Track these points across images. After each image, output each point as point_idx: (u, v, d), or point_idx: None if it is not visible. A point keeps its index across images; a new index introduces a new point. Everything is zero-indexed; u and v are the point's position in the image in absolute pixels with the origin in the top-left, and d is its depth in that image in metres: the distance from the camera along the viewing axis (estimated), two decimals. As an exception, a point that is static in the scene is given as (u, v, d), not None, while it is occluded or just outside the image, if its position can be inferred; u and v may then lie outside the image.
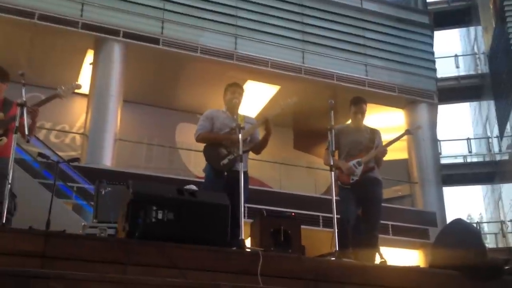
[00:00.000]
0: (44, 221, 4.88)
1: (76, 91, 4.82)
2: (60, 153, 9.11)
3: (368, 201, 4.99)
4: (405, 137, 12.70)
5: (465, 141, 20.15)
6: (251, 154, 4.93)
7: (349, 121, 5.46)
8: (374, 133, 5.25)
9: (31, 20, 9.80)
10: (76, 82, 4.77)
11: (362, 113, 5.21)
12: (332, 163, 4.36)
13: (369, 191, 5.00)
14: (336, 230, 4.06)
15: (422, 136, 12.31)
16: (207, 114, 4.87)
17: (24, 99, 4.07)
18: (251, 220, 4.64)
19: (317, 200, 10.26)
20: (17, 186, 4.28)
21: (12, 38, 10.24)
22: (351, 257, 4.38)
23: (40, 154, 6.62)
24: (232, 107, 4.83)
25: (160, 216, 3.21)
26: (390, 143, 5.21)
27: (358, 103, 5.22)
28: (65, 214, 6.37)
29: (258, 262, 3.08)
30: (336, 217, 4.19)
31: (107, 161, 9.62)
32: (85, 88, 10.51)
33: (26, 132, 4.08)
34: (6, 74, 4.72)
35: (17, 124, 3.94)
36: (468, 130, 25.90)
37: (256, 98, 11.65)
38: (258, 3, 11.76)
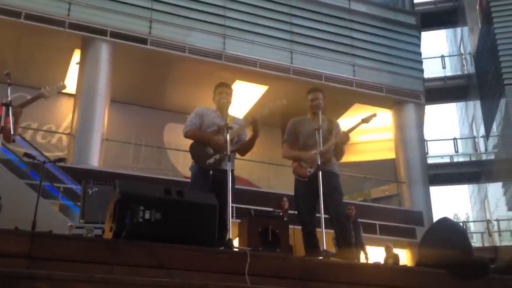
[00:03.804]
0: (30, 221, 4.83)
1: (63, 91, 4.79)
2: (46, 154, 9.05)
3: (327, 194, 4.41)
4: (392, 137, 12.87)
5: (452, 141, 20.33)
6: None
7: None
8: (332, 123, 4.90)
9: (18, 19, 9.72)
10: (61, 83, 4.73)
11: (317, 101, 4.81)
12: (319, 163, 4.33)
13: (327, 184, 4.44)
14: (323, 230, 4.06)
15: (410, 136, 12.43)
16: (198, 111, 4.85)
17: (9, 98, 4.04)
18: (238, 220, 4.63)
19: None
20: (3, 186, 4.24)
21: (-3, 37, 10.16)
22: (337, 256, 4.36)
23: (26, 155, 6.57)
24: (221, 107, 4.81)
25: (147, 216, 3.19)
26: (350, 130, 4.95)
27: (314, 92, 4.90)
28: (51, 215, 6.32)
29: (246, 262, 3.07)
30: (325, 217, 4.15)
31: (94, 161, 9.57)
32: (71, 88, 10.52)
33: (12, 132, 4.05)
34: None
35: (2, 123, 3.91)
36: (455, 130, 26.14)
37: (245, 98, 11.66)
38: (246, 4, 11.77)
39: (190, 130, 4.70)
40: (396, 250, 11.50)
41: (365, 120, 4.89)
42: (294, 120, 4.82)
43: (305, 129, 4.72)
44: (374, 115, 4.98)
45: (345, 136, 4.72)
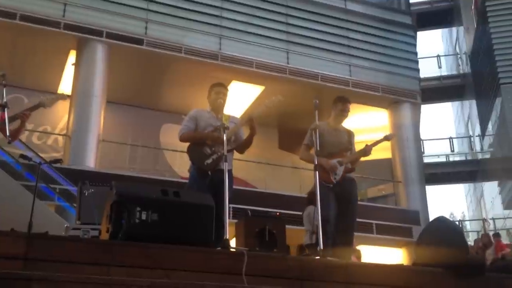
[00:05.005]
0: (26, 223, 4.81)
1: (59, 92, 4.80)
2: (42, 155, 9.02)
3: (347, 201, 4.96)
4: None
5: (448, 140, 20.39)
6: (236, 154, 4.92)
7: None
8: (350, 134, 5.28)
9: (13, 20, 9.68)
10: (62, 93, 4.76)
11: (348, 112, 5.23)
12: (316, 163, 4.36)
13: (349, 192, 5.01)
14: (321, 230, 4.07)
15: (406, 136, 12.45)
16: (192, 114, 4.85)
17: (5, 100, 4.04)
18: (235, 220, 4.63)
19: (302, 200, 10.27)
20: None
21: (-7, 38, 10.11)
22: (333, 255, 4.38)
23: (22, 156, 6.54)
24: (217, 107, 4.82)
25: (144, 217, 3.18)
26: (373, 145, 5.25)
27: (345, 102, 5.24)
28: (47, 216, 6.28)
29: (243, 262, 3.07)
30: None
31: (91, 162, 9.54)
32: (67, 89, 10.49)
33: (8, 134, 4.04)
34: None
35: (-2, 125, 3.91)
36: (451, 129, 26.27)
37: (241, 98, 11.65)
38: (242, 4, 11.76)
39: (184, 133, 4.71)
40: (392, 249, 11.54)
41: (387, 138, 5.41)
42: (317, 124, 4.69)
43: (329, 137, 4.99)
44: (395, 134, 5.42)
45: (369, 151, 5.10)
